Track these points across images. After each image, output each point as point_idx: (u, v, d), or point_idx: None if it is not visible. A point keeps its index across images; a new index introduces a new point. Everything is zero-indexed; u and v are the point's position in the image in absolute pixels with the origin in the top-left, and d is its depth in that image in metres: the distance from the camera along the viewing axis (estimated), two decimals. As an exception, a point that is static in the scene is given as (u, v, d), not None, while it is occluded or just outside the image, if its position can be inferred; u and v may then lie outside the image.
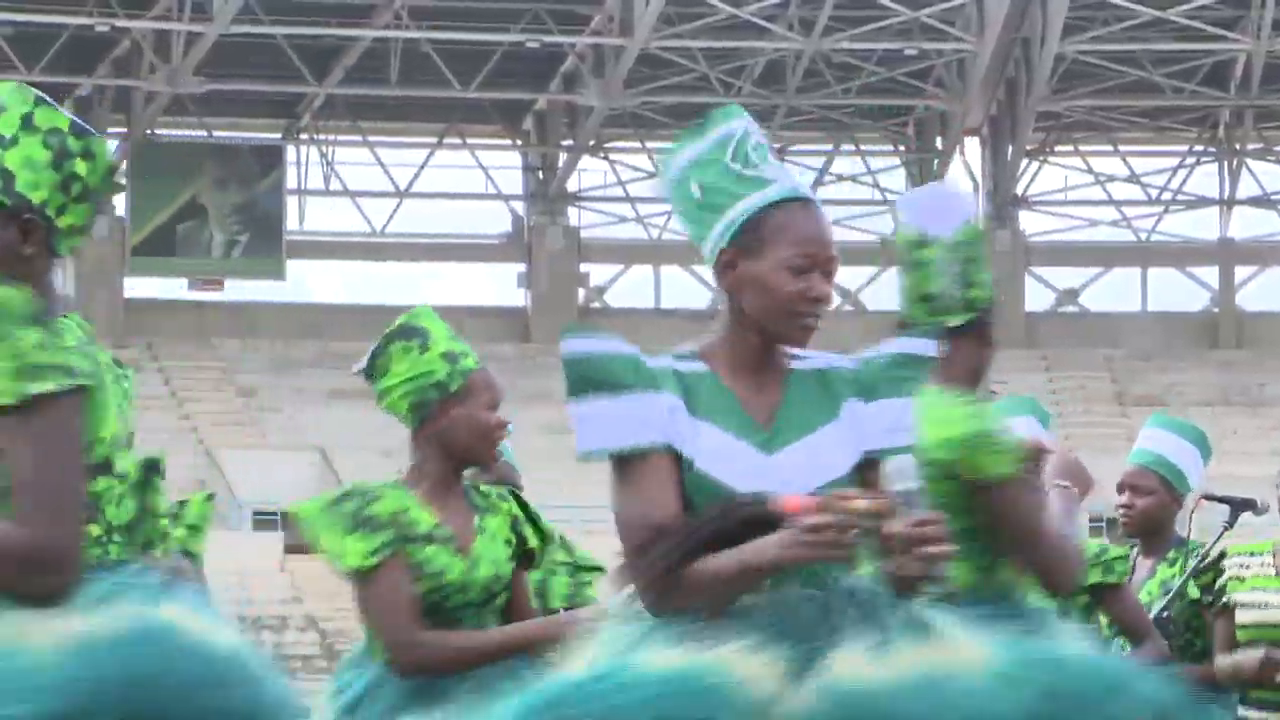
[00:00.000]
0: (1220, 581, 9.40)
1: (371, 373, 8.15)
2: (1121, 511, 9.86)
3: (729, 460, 5.91)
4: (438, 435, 8.25)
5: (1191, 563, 9.62)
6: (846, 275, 63.74)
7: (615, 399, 5.88)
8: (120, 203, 60.89)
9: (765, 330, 5.95)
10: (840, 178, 66.42)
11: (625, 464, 5.91)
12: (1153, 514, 9.79)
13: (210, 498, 7.73)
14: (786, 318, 5.90)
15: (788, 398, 6.01)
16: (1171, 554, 9.76)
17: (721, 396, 5.96)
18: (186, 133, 63.39)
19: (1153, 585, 9.72)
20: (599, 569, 9.25)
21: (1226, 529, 9.89)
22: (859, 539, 5.70)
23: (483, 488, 8.66)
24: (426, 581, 7.62)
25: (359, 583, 7.98)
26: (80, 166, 5.43)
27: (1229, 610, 9.36)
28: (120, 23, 59.42)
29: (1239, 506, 10.00)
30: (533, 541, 8.03)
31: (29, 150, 5.42)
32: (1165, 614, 9.52)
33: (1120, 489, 9.88)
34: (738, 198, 5.93)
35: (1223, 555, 9.49)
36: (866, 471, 5.98)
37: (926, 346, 6.21)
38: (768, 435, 5.95)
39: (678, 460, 5.89)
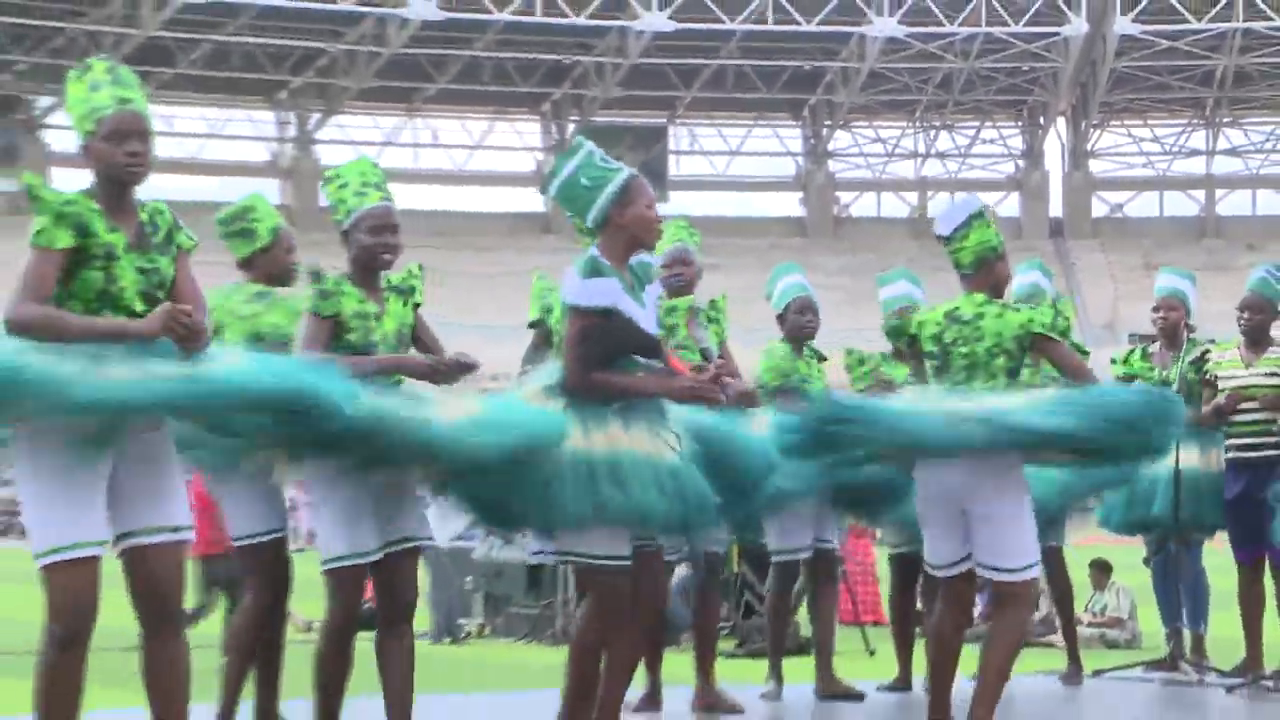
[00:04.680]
0: (1206, 366, 9.14)
1: None
2: (1160, 320, 9.45)
3: (641, 317, 5.93)
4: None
5: (1193, 352, 9.28)
6: (988, 198, 63.22)
7: (606, 280, 5.86)
8: (577, 166, 60.35)
9: (639, 242, 5.97)
10: (985, 140, 63.95)
11: (587, 315, 5.84)
12: (1176, 324, 9.39)
13: None
14: (654, 234, 6.01)
15: (634, 284, 5.98)
16: (1186, 346, 9.24)
17: (625, 282, 5.95)
18: (613, 119, 60.65)
19: (1183, 363, 9.22)
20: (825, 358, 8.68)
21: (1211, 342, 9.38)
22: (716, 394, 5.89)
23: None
24: None
25: None
26: None
27: (1213, 382, 9.12)
28: (577, 57, 58.02)
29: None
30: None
31: None
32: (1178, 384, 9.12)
33: (1158, 309, 9.49)
34: (609, 179, 5.97)
35: (1208, 351, 9.19)
36: None
37: (653, 259, 6.24)
38: (641, 303, 5.97)
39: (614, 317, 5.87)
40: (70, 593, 4.73)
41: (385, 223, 5.90)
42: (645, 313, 5.99)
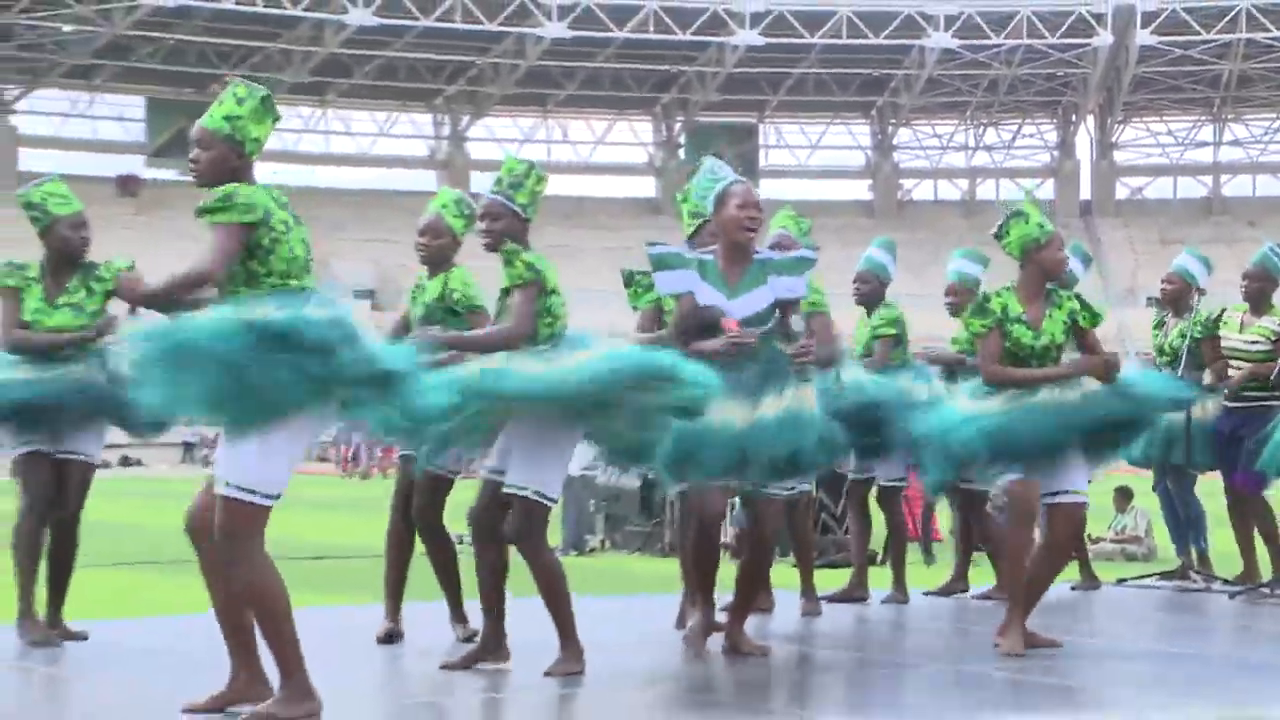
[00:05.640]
0: (1219, 328, 8.93)
1: None
2: (1162, 291, 9.23)
3: (715, 300, 6.00)
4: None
5: (1201, 317, 9.00)
6: (1027, 184, 62.13)
7: (675, 272, 6.00)
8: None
9: (729, 238, 6.06)
10: (1025, 135, 63.28)
11: (677, 300, 6.06)
12: (1179, 295, 9.12)
13: None
14: (738, 231, 6.02)
15: (745, 273, 6.02)
16: (1190, 315, 8.97)
17: (715, 271, 6.03)
18: (713, 119, 60.07)
19: (1187, 327, 8.95)
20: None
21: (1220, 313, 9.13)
22: (746, 350, 5.85)
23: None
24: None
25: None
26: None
27: (1218, 340, 8.93)
28: (682, 68, 57.39)
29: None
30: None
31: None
32: (1188, 346, 8.90)
33: (1164, 282, 9.23)
34: (711, 190, 6.15)
35: (1222, 314, 8.96)
36: (779, 308, 6.01)
37: (812, 254, 6.21)
38: (732, 290, 5.99)
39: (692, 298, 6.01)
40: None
41: (480, 212, 5.96)
42: (721, 295, 5.99)
